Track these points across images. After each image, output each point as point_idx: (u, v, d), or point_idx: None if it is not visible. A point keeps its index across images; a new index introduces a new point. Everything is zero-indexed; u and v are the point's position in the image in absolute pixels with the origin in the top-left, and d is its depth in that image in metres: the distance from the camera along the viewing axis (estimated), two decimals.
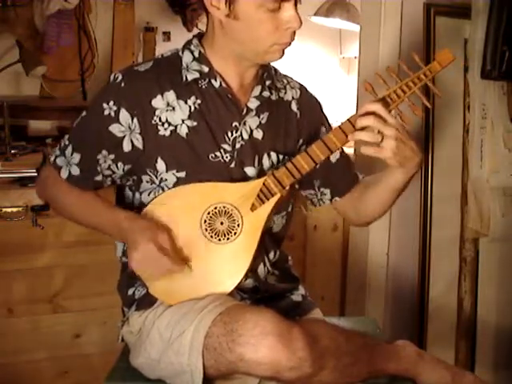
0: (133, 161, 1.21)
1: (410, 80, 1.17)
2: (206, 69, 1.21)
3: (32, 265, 1.80)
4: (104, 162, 1.21)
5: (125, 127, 1.19)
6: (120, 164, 1.22)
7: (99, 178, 1.23)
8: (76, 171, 1.22)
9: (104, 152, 1.20)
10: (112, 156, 1.21)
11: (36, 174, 1.65)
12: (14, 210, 1.75)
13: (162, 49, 2.79)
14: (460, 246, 2.07)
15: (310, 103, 1.37)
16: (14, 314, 1.80)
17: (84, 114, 1.24)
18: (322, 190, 1.38)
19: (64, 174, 1.23)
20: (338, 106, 3.07)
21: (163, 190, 1.21)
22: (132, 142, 1.19)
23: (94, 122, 1.21)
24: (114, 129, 1.19)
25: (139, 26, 2.85)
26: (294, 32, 1.16)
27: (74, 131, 1.25)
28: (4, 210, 1.75)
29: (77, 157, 1.22)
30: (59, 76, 2.62)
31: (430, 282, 2.05)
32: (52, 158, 1.26)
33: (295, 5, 1.13)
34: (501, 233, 2.00)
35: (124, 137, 1.19)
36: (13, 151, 2.03)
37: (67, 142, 1.24)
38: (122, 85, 1.18)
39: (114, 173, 1.24)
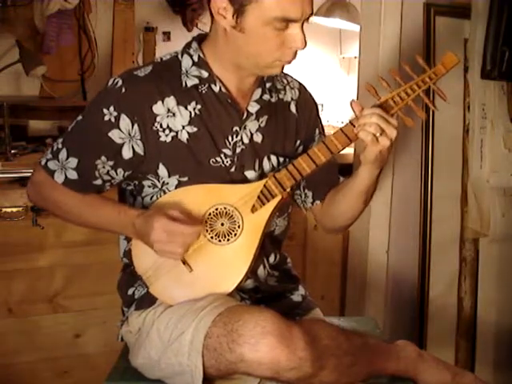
0: (133, 167, 1.21)
1: (415, 83, 1.17)
2: (205, 74, 1.21)
3: (32, 265, 1.80)
4: (103, 168, 1.20)
5: (125, 134, 1.18)
6: (120, 170, 1.21)
7: (98, 182, 1.22)
8: (73, 175, 1.20)
9: (103, 158, 1.19)
10: (111, 162, 1.20)
11: None
12: (14, 209, 1.75)
13: (162, 49, 2.80)
14: (460, 246, 2.07)
15: (307, 104, 1.37)
16: (14, 314, 1.80)
17: (80, 118, 1.22)
18: (306, 191, 1.38)
19: (59, 177, 1.21)
20: (337, 106, 3.07)
21: (165, 193, 1.21)
22: (133, 148, 1.19)
23: (93, 126, 1.19)
24: (114, 135, 1.18)
25: (139, 26, 2.84)
26: (297, 51, 1.15)
27: (69, 135, 1.23)
28: (4, 210, 1.75)
29: (73, 161, 1.20)
30: (59, 76, 2.62)
31: (430, 281, 2.05)
32: (43, 162, 1.22)
33: (302, 25, 1.13)
34: (501, 233, 2.00)
35: (123, 144, 1.19)
36: (13, 151, 2.02)
37: (61, 146, 1.21)
38: (123, 90, 1.17)
39: (113, 178, 1.23)
